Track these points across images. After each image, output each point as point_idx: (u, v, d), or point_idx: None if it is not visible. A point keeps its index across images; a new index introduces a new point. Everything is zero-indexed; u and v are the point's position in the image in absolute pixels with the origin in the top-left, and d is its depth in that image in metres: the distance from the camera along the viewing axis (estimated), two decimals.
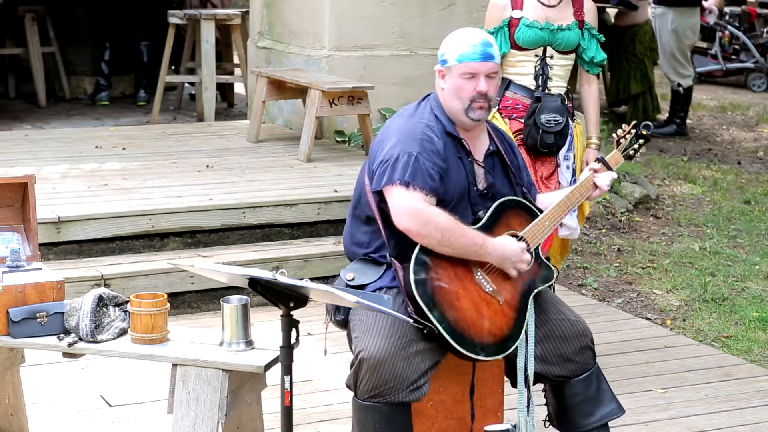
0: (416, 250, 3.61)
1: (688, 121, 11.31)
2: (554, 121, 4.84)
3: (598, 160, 4.05)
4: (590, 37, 4.99)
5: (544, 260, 3.85)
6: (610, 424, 3.93)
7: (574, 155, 5.04)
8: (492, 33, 4.82)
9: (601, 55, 5.05)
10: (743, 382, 5.22)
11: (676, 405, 4.91)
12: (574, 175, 5.00)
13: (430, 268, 3.60)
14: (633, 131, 4.15)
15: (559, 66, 4.95)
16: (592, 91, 5.10)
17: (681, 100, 10.92)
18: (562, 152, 4.96)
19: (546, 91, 4.90)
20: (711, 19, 13.96)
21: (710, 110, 12.54)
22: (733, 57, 14.31)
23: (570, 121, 4.97)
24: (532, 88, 4.91)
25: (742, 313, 6.22)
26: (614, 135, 4.16)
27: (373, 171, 3.73)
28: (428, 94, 3.91)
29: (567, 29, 4.90)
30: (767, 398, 5.02)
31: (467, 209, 3.76)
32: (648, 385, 5.12)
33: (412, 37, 8.35)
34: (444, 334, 3.54)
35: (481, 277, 3.69)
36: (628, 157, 4.13)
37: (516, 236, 3.77)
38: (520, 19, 4.85)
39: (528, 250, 3.75)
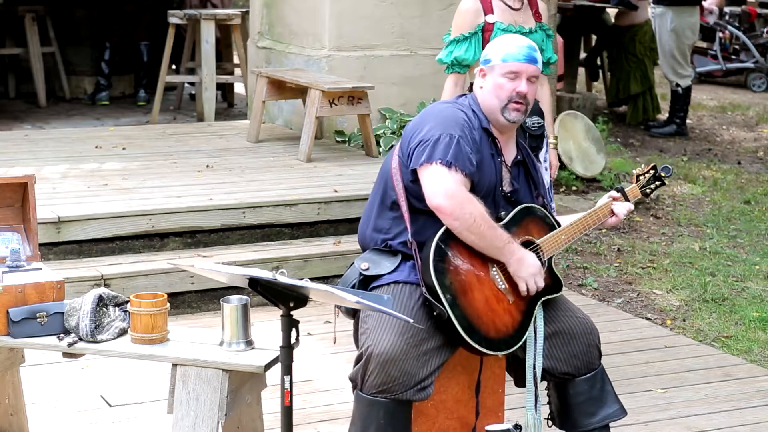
0: (440, 231, 3.62)
1: (688, 121, 11.31)
2: (537, 123, 4.88)
3: (617, 189, 4.09)
4: (547, 39, 5.00)
5: (556, 273, 3.86)
6: (610, 424, 3.93)
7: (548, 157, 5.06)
8: (465, 39, 4.79)
9: (554, 56, 5.07)
10: (743, 382, 5.22)
11: (676, 405, 4.91)
12: (550, 176, 5.03)
13: (448, 252, 3.62)
14: (652, 171, 4.21)
15: None
16: (545, 92, 5.07)
17: (680, 100, 10.92)
18: (541, 154, 4.96)
19: None
20: (711, 19, 13.97)
21: (710, 110, 12.54)
22: (733, 57, 14.31)
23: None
24: None
25: (742, 313, 6.22)
26: (633, 171, 4.23)
27: (410, 150, 3.71)
28: (464, 93, 3.94)
29: (534, 32, 4.90)
30: (767, 398, 5.03)
31: (491, 207, 3.76)
32: (648, 385, 5.12)
33: (412, 37, 8.35)
34: (453, 318, 3.55)
35: (495, 274, 3.70)
36: (645, 195, 4.18)
37: (532, 242, 3.79)
38: (494, 23, 4.80)
39: (541, 259, 3.77)
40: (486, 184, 3.76)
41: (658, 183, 4.21)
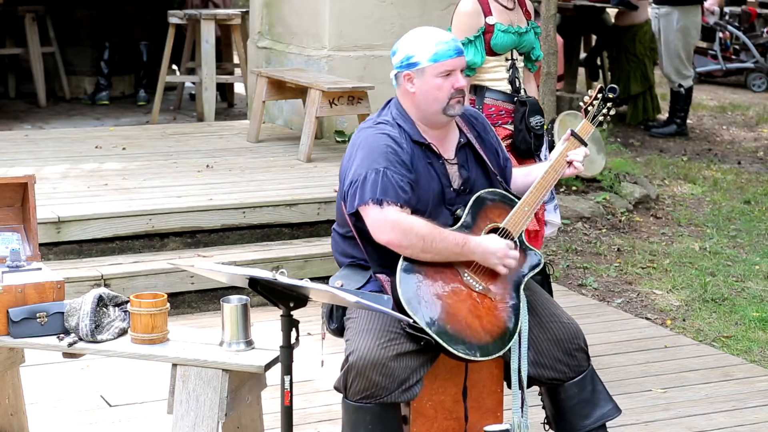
0: (399, 265, 3.60)
1: (688, 121, 11.31)
2: (540, 122, 4.87)
3: (569, 132, 3.96)
4: (535, 37, 5.01)
5: (529, 246, 3.82)
6: (609, 424, 3.93)
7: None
8: (470, 42, 4.77)
9: (541, 54, 5.08)
10: (743, 382, 5.22)
11: (676, 405, 4.91)
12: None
13: (416, 280, 3.60)
14: (599, 95, 4.04)
15: (521, 68, 4.96)
16: (532, 89, 5.08)
17: (681, 100, 10.91)
18: (541, 152, 4.96)
19: (522, 93, 4.90)
20: (711, 19, 13.97)
21: (710, 110, 12.54)
22: (733, 57, 14.32)
23: None
24: (509, 92, 4.89)
25: (742, 313, 6.22)
26: (581, 104, 4.07)
27: (345, 192, 3.71)
28: (388, 101, 3.86)
29: (528, 31, 4.92)
30: (767, 398, 5.02)
31: (444, 211, 3.74)
32: (648, 385, 5.12)
33: None
34: (442, 344, 3.54)
35: (469, 278, 3.68)
36: (599, 124, 4.03)
37: (497, 228, 3.75)
38: (494, 25, 4.80)
39: (512, 239, 3.74)
40: (431, 195, 3.73)
41: (609, 105, 4.04)
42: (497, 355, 3.67)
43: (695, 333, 5.91)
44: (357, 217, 3.68)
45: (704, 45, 14.24)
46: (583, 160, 3.91)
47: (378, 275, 3.70)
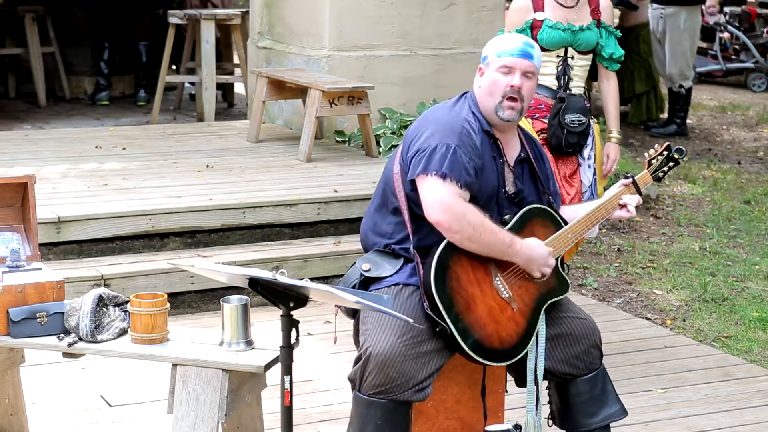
0: (440, 247, 3.60)
1: (688, 121, 11.31)
2: (578, 121, 4.89)
3: (627, 176, 4.04)
4: (608, 35, 5.06)
5: (563, 274, 3.85)
6: (610, 424, 3.93)
7: (595, 154, 5.08)
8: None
9: (620, 51, 5.12)
10: (743, 382, 5.22)
11: (676, 405, 4.91)
12: (594, 174, 5.05)
13: (450, 268, 3.60)
14: (665, 153, 4.13)
15: (579, 66, 5.01)
16: (611, 86, 5.19)
17: (682, 100, 10.91)
18: (584, 152, 4.99)
19: (568, 91, 4.94)
20: (712, 19, 13.98)
21: (710, 110, 12.54)
22: (733, 57, 14.32)
23: (590, 120, 5.01)
24: (555, 88, 4.96)
25: (742, 313, 6.22)
26: (646, 155, 4.16)
27: (408, 159, 3.70)
28: (465, 92, 3.90)
29: (587, 29, 4.97)
30: (767, 398, 5.02)
31: (494, 211, 3.75)
32: (648, 385, 5.12)
33: (412, 37, 8.34)
34: (456, 335, 3.55)
35: (499, 283, 3.69)
36: (657, 179, 4.13)
37: None
38: (542, 20, 4.89)
39: (551, 256, 3.76)
40: (488, 188, 3.74)
41: (671, 165, 4.13)
42: (502, 364, 3.68)
43: (695, 333, 5.91)
44: (413, 187, 3.68)
45: (704, 45, 14.25)
46: (635, 206, 3.98)
47: (415, 251, 3.67)
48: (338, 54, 8.20)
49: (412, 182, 3.67)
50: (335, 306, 3.80)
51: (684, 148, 4.21)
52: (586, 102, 5.00)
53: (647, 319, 6.12)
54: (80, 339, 3.69)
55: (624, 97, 11.32)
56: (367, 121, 7.63)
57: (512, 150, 3.87)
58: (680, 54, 10.79)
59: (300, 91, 7.90)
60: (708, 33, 14.27)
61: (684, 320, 6.11)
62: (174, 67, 10.64)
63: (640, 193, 4.02)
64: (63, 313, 3.73)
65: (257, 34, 9.05)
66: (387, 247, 3.79)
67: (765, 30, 14.72)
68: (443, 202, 3.58)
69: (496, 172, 3.77)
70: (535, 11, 4.92)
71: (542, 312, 3.75)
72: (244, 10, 10.26)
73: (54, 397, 4.82)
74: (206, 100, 9.39)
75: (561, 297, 3.83)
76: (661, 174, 4.13)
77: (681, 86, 10.80)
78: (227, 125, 9.04)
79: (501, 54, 3.77)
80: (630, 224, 7.83)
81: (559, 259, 3.83)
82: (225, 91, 10.98)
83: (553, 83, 4.96)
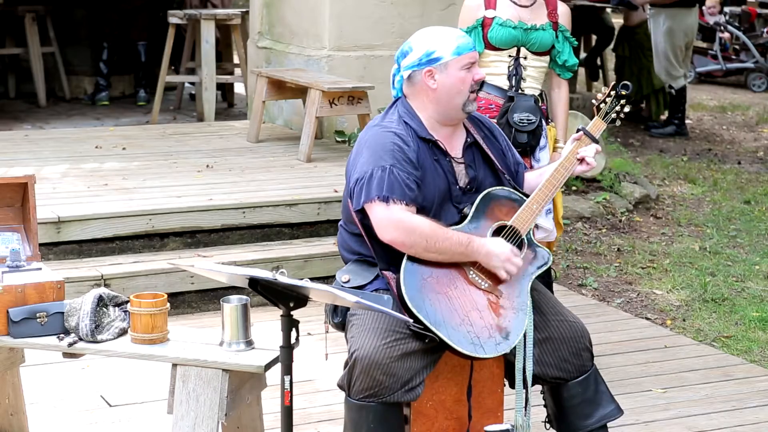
0: (404, 262, 3.60)
1: (688, 121, 11.31)
2: (527, 120, 4.82)
3: (578, 130, 3.93)
4: (564, 41, 4.97)
5: (538, 244, 3.81)
6: (609, 424, 3.93)
7: (549, 156, 5.00)
8: (466, 33, 4.78)
9: (573, 60, 5.03)
10: (743, 382, 5.22)
11: (676, 405, 4.91)
12: None
13: (421, 277, 3.60)
14: (612, 93, 3.99)
15: (533, 67, 4.93)
16: (562, 95, 5.08)
17: (675, 101, 10.89)
18: (537, 153, 4.93)
19: (519, 91, 4.89)
20: (711, 19, 13.98)
21: (710, 110, 12.54)
22: (733, 57, 14.32)
23: (544, 122, 4.95)
24: (506, 88, 4.89)
25: (742, 313, 6.22)
26: (593, 101, 4.03)
27: (351, 189, 3.71)
28: (393, 102, 3.86)
29: (541, 29, 4.89)
30: (767, 398, 5.02)
31: (451, 209, 3.74)
32: (648, 385, 5.12)
33: None
34: (447, 341, 3.54)
35: (474, 275, 3.68)
36: (612, 121, 3.99)
37: (505, 226, 3.75)
38: (493, 18, 4.82)
39: (520, 237, 3.73)
40: (437, 193, 3.73)
41: (622, 102, 3.98)
42: (501, 352, 3.66)
43: (695, 333, 5.91)
44: (363, 214, 3.68)
45: (704, 45, 14.25)
46: (594, 156, 3.89)
47: (384, 272, 3.69)
48: (338, 54, 8.20)
49: (362, 211, 3.68)
50: (324, 323, 3.81)
51: (629, 84, 4.02)
52: (541, 104, 4.92)
53: (647, 319, 6.12)
54: (80, 339, 3.69)
55: (643, 94, 11.28)
56: (367, 121, 7.62)
57: (457, 141, 3.83)
58: (662, 55, 10.78)
59: (300, 91, 7.90)
60: (708, 33, 14.27)
61: (684, 320, 6.11)
62: (174, 67, 10.64)
63: (596, 141, 3.91)
64: (63, 313, 3.73)
65: (257, 34, 9.05)
66: (361, 257, 3.80)
67: (765, 30, 14.73)
68: (391, 220, 3.58)
69: (443, 173, 3.75)
70: (486, 9, 4.85)
71: (529, 303, 3.71)
72: (244, 10, 10.26)
73: (54, 397, 4.82)
74: (206, 100, 9.39)
75: (544, 269, 3.79)
76: (614, 115, 3.97)
77: (671, 87, 10.78)
78: (227, 125, 9.04)
79: (460, 52, 3.72)
80: (630, 224, 7.83)
81: (531, 230, 3.78)
82: (225, 91, 10.98)
83: (504, 83, 4.89)
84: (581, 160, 3.88)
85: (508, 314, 3.68)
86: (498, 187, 3.80)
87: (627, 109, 4.01)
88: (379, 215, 3.61)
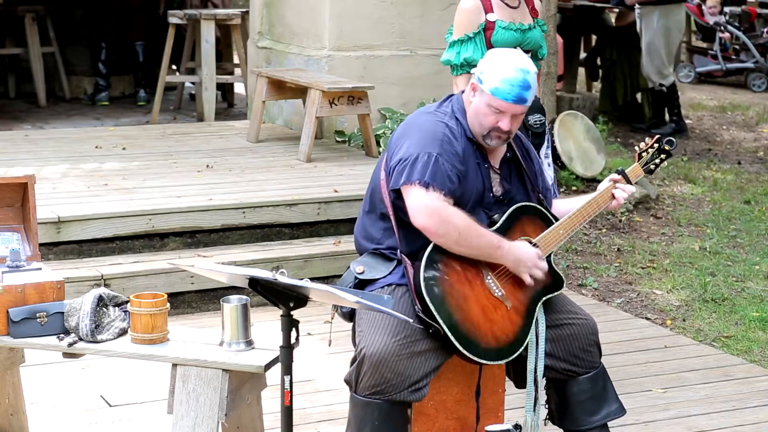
0: (429, 249, 3.61)
1: (688, 121, 11.29)
2: (539, 120, 4.89)
3: (618, 171, 4.01)
4: (542, 35, 5.00)
5: (556, 269, 3.84)
6: (609, 423, 3.93)
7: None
8: (469, 39, 4.78)
9: (546, 51, 5.08)
10: (743, 382, 5.22)
11: (676, 405, 4.91)
12: (554, 171, 5.04)
13: (440, 269, 3.61)
14: (656, 145, 4.09)
15: None
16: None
17: (665, 99, 10.82)
18: (542, 151, 4.96)
19: None
20: (711, 19, 13.97)
21: (710, 110, 12.54)
22: (733, 57, 14.32)
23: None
24: None
25: (742, 313, 6.22)
26: (636, 148, 4.13)
27: (391, 168, 3.71)
28: (449, 96, 3.89)
29: (533, 28, 4.91)
30: (767, 398, 5.02)
31: (481, 213, 3.76)
32: (648, 385, 5.12)
33: (412, 37, 8.35)
34: (449, 335, 3.55)
35: (491, 281, 3.69)
36: (649, 171, 4.08)
37: (530, 242, 3.77)
38: (495, 21, 4.81)
39: (541, 258, 3.75)
40: (473, 192, 3.74)
41: (663, 156, 4.09)
42: (499, 362, 3.68)
43: (695, 333, 5.91)
44: (397, 194, 3.69)
45: (704, 45, 14.25)
46: (628, 197, 3.96)
47: (404, 256, 3.69)
48: (338, 54, 8.21)
49: (397, 191, 3.68)
50: (332, 309, 3.81)
51: (674, 140, 4.17)
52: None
53: (647, 319, 6.12)
54: (80, 339, 3.69)
55: (640, 90, 11.26)
56: (367, 121, 7.63)
57: (498, 152, 3.86)
58: (655, 53, 10.69)
59: (300, 91, 7.90)
60: (708, 33, 14.27)
61: (684, 320, 6.11)
62: (174, 67, 10.64)
63: (631, 184, 3.99)
64: (63, 313, 3.73)
65: (257, 34, 9.05)
66: (376, 250, 3.80)
67: (765, 30, 14.72)
68: (428, 207, 3.59)
69: (481, 176, 3.77)
70: (486, 12, 4.82)
71: (539, 309, 3.75)
72: (244, 10, 10.26)
73: (54, 397, 4.82)
74: (206, 100, 9.39)
75: (556, 293, 3.83)
76: (652, 166, 4.08)
77: (662, 85, 10.72)
78: (227, 125, 9.04)
79: (495, 93, 3.68)
80: (630, 224, 7.83)
81: (551, 256, 3.83)
82: (225, 91, 10.98)
83: None
84: (613, 198, 3.95)
85: (514, 327, 3.69)
86: (531, 204, 3.85)
87: (665, 164, 4.12)
88: (417, 200, 3.61)
